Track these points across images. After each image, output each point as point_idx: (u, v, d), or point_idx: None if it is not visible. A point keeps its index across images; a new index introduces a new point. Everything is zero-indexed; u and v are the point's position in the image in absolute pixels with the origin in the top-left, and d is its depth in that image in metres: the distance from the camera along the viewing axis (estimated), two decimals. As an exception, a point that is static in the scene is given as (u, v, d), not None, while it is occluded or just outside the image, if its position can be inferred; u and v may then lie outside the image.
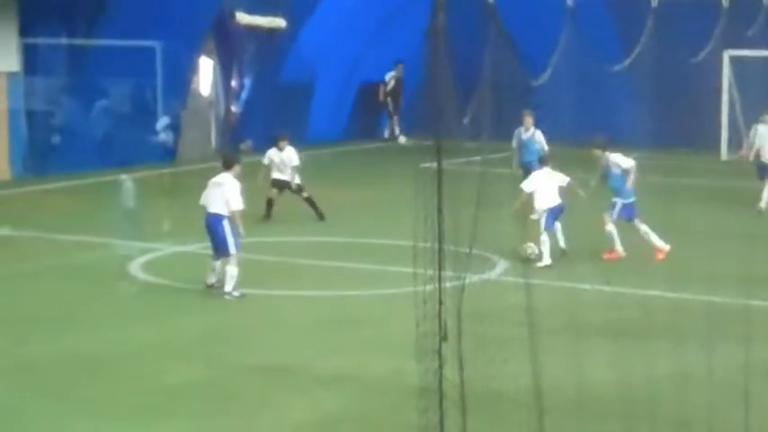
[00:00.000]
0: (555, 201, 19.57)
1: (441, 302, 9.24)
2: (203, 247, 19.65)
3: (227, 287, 16.55)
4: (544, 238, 19.08)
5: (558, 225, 19.66)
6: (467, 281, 9.72)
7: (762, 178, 25.20)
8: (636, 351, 12.70)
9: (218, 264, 16.77)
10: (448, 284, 9.41)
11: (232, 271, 16.54)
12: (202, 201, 16.85)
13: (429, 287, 9.26)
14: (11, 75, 29.67)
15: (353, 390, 12.65)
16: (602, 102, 34.32)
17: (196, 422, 11.57)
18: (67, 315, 15.86)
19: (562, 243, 19.54)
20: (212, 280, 16.89)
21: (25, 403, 12.07)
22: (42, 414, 11.73)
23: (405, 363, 10.99)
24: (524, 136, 25.08)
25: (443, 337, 9.28)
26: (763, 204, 24.66)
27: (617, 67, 34.70)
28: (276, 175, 23.11)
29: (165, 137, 32.94)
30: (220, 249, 16.57)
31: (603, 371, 12.25)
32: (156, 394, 12.47)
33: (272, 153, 23.26)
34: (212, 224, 16.56)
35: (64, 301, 16.64)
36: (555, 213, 19.54)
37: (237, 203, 16.82)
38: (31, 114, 30.32)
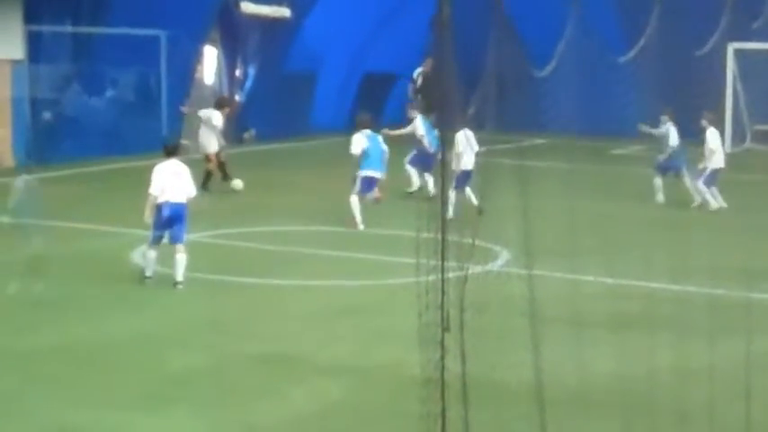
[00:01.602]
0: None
1: (443, 293, 9.21)
2: (204, 235, 19.69)
3: (182, 276, 16.54)
4: None
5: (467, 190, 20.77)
6: (470, 271, 9.69)
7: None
8: (638, 343, 12.68)
9: (155, 254, 16.70)
10: (451, 275, 9.38)
11: (185, 258, 16.58)
12: (157, 190, 16.63)
13: (432, 277, 9.23)
14: (15, 62, 29.65)
15: (355, 379, 12.64)
16: (606, 93, 34.28)
17: (196, 410, 11.54)
18: (68, 303, 15.84)
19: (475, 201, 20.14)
20: (152, 272, 16.80)
21: (25, 391, 12.04)
22: (42, 402, 11.70)
23: (406, 353, 10.96)
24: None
25: (446, 328, 9.25)
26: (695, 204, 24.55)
27: (621, 59, 34.68)
28: (216, 147, 25.73)
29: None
30: (181, 237, 16.68)
31: (606, 362, 12.23)
32: (157, 383, 12.44)
33: (218, 119, 26.14)
34: (181, 213, 16.72)
35: (64, 288, 16.61)
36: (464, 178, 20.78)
37: (194, 190, 17.19)
38: (34, 102, 30.29)
